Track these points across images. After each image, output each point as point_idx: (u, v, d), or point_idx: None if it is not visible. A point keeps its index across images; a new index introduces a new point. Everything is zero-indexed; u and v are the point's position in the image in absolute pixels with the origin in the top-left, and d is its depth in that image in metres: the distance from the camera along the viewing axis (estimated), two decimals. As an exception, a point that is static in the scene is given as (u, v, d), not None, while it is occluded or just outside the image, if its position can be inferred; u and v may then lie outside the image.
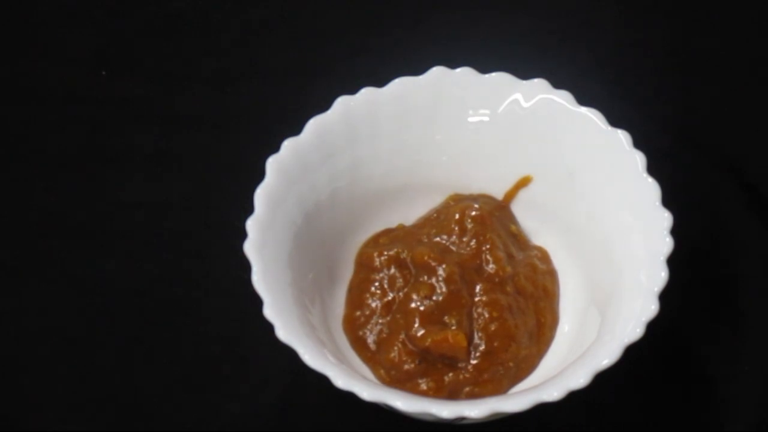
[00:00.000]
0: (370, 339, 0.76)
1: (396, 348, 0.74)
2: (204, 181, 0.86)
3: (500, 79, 0.78)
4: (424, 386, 0.74)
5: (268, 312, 0.69)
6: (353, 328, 0.76)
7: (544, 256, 0.79)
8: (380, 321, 0.76)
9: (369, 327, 0.76)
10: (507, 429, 0.74)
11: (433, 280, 0.75)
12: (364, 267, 0.78)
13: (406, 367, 0.74)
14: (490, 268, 0.76)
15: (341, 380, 0.68)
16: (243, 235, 0.71)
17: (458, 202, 0.79)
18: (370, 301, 0.77)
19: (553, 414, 0.72)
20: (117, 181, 0.86)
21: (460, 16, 0.93)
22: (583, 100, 0.77)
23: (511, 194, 0.80)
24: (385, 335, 0.75)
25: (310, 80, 0.89)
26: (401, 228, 0.80)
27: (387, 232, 0.79)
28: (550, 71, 0.79)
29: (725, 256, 0.81)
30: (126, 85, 0.90)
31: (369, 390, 0.67)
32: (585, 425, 0.76)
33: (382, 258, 0.77)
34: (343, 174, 0.77)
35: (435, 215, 0.79)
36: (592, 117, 0.76)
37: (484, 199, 0.79)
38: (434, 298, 0.74)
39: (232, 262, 0.77)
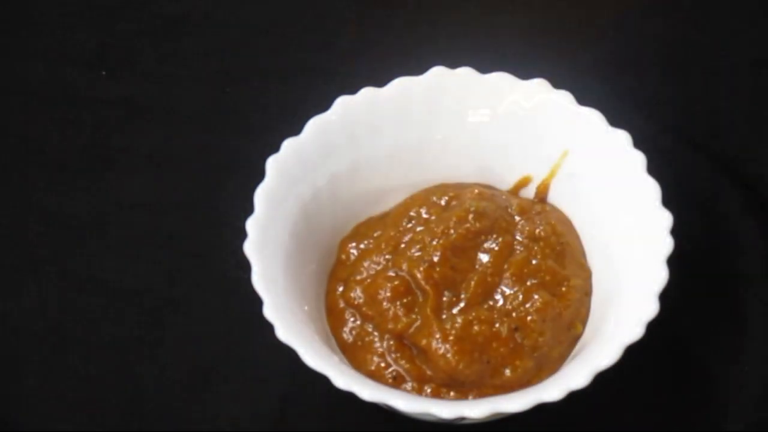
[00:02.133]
0: (350, 340, 0.75)
1: (374, 360, 0.74)
2: (204, 181, 0.86)
3: (500, 79, 0.78)
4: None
5: (268, 312, 0.69)
6: (336, 327, 0.76)
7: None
8: (356, 322, 0.75)
9: (347, 328, 0.75)
10: (507, 429, 0.74)
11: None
12: (342, 262, 0.78)
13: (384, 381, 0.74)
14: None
15: (341, 380, 0.68)
16: (243, 235, 0.71)
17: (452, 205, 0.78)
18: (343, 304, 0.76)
19: (553, 414, 0.72)
20: (117, 181, 0.86)
21: (460, 16, 0.93)
22: (583, 100, 0.77)
23: (511, 194, 0.80)
24: (360, 343, 0.75)
25: (310, 80, 0.89)
26: (382, 217, 0.79)
27: (366, 222, 0.79)
28: (550, 71, 0.79)
29: (725, 256, 0.81)
30: (126, 85, 0.90)
31: (369, 390, 0.68)
32: (585, 425, 0.76)
33: (356, 252, 0.77)
34: (342, 174, 0.77)
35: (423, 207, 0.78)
36: (592, 117, 0.76)
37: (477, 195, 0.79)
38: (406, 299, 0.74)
39: (232, 262, 0.77)
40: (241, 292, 0.74)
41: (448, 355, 0.71)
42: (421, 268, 0.74)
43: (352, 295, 0.75)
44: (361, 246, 0.77)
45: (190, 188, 0.85)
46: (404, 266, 0.74)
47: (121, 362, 0.79)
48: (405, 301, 0.74)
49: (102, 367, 0.78)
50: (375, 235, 0.77)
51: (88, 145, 0.88)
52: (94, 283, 0.82)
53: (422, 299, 0.74)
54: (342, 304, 0.75)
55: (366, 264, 0.75)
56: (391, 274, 0.74)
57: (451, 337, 0.72)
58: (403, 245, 0.76)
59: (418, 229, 0.76)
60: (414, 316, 0.73)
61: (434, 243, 0.74)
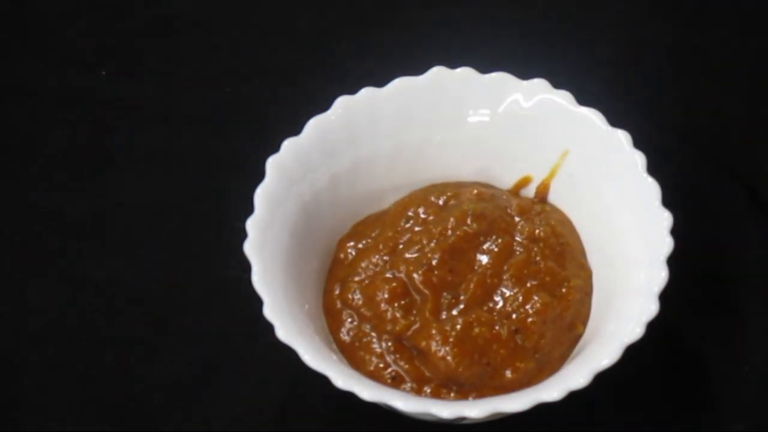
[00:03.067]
0: (347, 341, 0.75)
1: (373, 360, 0.74)
2: (204, 181, 0.86)
3: (500, 79, 0.78)
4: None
5: (268, 312, 0.69)
6: (334, 327, 0.76)
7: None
8: (354, 323, 0.75)
9: (344, 328, 0.75)
10: (507, 429, 0.74)
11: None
12: (339, 262, 0.78)
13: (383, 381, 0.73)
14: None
15: (341, 380, 0.68)
16: (243, 235, 0.71)
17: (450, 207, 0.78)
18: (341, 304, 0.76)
19: (553, 414, 0.72)
20: (117, 181, 0.86)
21: (460, 16, 0.93)
22: (583, 100, 0.77)
23: (511, 194, 0.80)
24: (358, 344, 0.75)
25: (310, 80, 0.89)
26: (380, 215, 0.79)
27: (365, 221, 0.79)
28: (550, 71, 0.79)
29: (725, 257, 0.81)
30: (126, 85, 0.90)
31: (369, 390, 0.67)
32: (585, 425, 0.76)
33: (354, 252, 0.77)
34: (342, 174, 0.77)
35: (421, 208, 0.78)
36: (592, 117, 0.76)
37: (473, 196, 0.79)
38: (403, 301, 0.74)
39: (232, 262, 0.77)
40: (241, 292, 0.74)
41: (448, 358, 0.71)
42: (420, 272, 0.73)
43: (349, 296, 0.75)
44: (360, 245, 0.77)
45: (190, 188, 0.85)
46: (402, 268, 0.74)
47: (121, 362, 0.79)
48: (403, 302, 0.73)
49: (102, 367, 0.78)
50: (373, 234, 0.77)
51: (88, 145, 0.88)
52: (94, 283, 0.82)
53: (420, 302, 0.74)
54: (339, 305, 0.75)
55: (364, 265, 0.75)
56: (389, 276, 0.74)
57: (450, 340, 0.72)
58: (401, 246, 0.75)
59: (416, 229, 0.76)
60: (412, 318, 0.73)
61: (432, 245, 0.74)
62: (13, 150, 0.88)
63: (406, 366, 0.73)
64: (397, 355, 0.73)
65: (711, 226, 0.82)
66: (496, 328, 0.72)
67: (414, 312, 0.73)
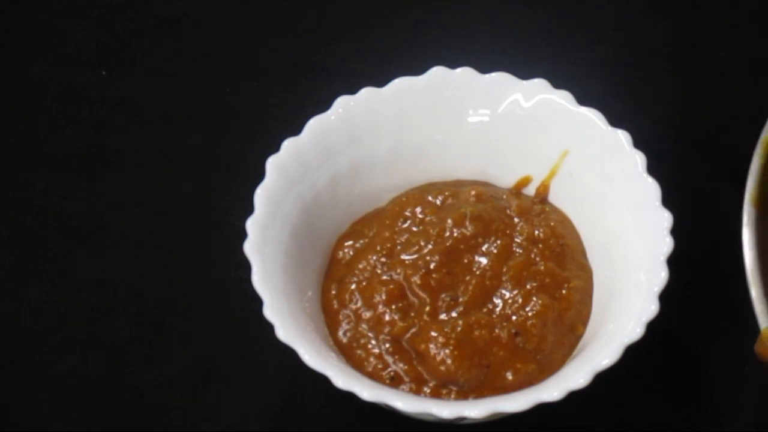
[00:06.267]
0: (345, 341, 0.75)
1: (372, 361, 0.74)
2: (204, 181, 0.86)
3: (500, 79, 0.78)
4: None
5: (268, 312, 0.69)
6: (332, 327, 0.76)
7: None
8: (350, 324, 0.75)
9: (342, 329, 0.75)
10: (507, 429, 0.74)
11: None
12: (337, 261, 0.77)
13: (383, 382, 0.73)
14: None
15: (341, 380, 0.68)
16: (243, 235, 0.71)
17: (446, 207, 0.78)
18: (340, 302, 0.76)
19: (553, 414, 0.72)
20: (117, 181, 0.86)
21: (460, 16, 0.93)
22: (583, 100, 0.77)
23: (511, 194, 0.80)
24: (355, 345, 0.75)
25: (310, 80, 0.89)
26: (378, 214, 0.79)
27: (363, 219, 0.79)
28: (550, 71, 0.79)
29: (725, 256, 0.81)
30: (126, 85, 0.90)
31: (369, 390, 0.68)
32: (585, 425, 0.76)
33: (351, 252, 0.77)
34: (343, 174, 0.77)
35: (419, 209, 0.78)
36: (592, 117, 0.76)
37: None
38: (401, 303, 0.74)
39: (232, 262, 0.77)
40: (241, 292, 0.74)
41: (448, 360, 0.71)
42: (418, 275, 0.73)
43: (346, 296, 0.75)
44: (357, 245, 0.77)
45: (190, 188, 0.85)
46: (399, 271, 0.74)
47: (121, 362, 0.79)
48: (401, 305, 0.73)
49: (102, 367, 0.78)
50: (370, 234, 0.77)
51: (88, 145, 0.88)
52: (94, 283, 0.82)
53: (419, 304, 0.74)
54: (336, 305, 0.75)
55: (361, 266, 0.75)
56: (386, 278, 0.74)
57: (450, 342, 0.71)
58: (398, 247, 0.75)
59: (414, 229, 0.76)
60: (410, 320, 0.73)
61: (430, 247, 0.74)
62: (13, 150, 0.88)
63: (406, 367, 0.73)
64: (396, 357, 0.73)
65: (711, 226, 0.82)
66: (496, 330, 0.72)
67: (412, 314, 0.73)
